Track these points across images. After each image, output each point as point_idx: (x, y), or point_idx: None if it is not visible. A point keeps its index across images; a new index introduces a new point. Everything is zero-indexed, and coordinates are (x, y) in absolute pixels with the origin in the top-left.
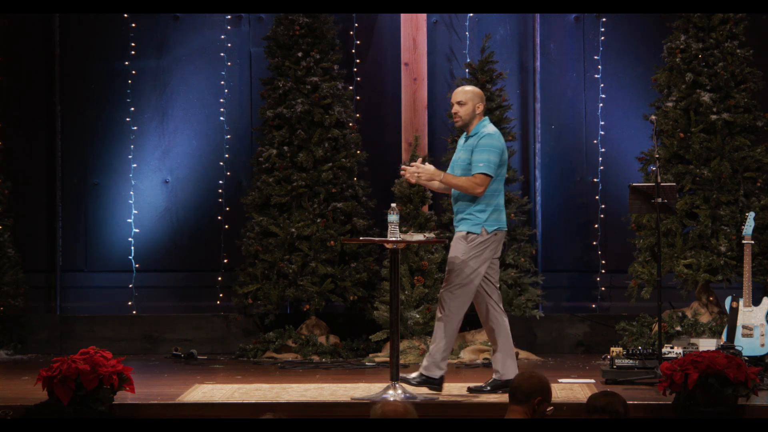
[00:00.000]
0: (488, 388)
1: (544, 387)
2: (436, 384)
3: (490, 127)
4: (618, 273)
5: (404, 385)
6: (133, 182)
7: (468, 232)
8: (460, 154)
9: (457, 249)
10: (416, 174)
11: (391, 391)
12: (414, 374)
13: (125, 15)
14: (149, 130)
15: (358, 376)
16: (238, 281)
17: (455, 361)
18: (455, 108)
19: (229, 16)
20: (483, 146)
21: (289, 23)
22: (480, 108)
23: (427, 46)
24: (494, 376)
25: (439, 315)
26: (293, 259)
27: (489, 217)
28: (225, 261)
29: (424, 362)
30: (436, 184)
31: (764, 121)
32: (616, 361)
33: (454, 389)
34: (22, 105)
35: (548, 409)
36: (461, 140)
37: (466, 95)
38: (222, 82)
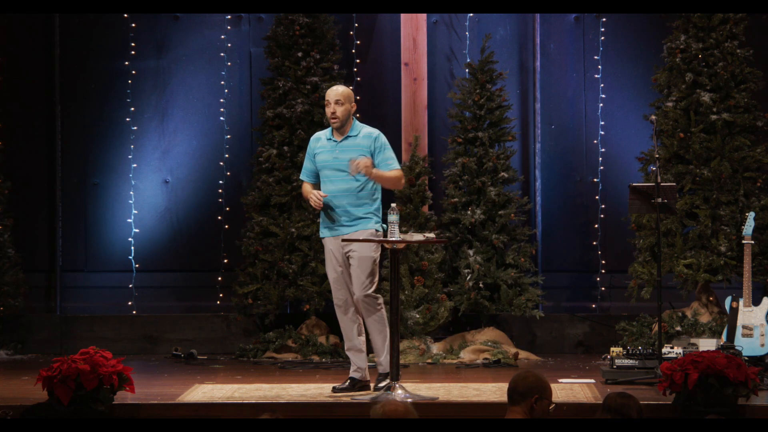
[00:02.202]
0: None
1: (540, 385)
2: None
3: (369, 127)
4: (618, 273)
5: (404, 384)
6: (133, 182)
7: (375, 231)
8: (340, 155)
9: (368, 248)
10: (365, 168)
11: (391, 391)
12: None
13: (125, 15)
14: (149, 130)
15: None
16: (238, 281)
17: (455, 361)
18: (333, 107)
19: (229, 16)
20: (384, 144)
21: (289, 23)
22: (353, 108)
23: (427, 46)
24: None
25: (372, 317)
26: (293, 259)
27: (380, 217)
28: (225, 261)
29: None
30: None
31: (764, 121)
32: (616, 361)
33: (455, 389)
34: (22, 105)
35: (550, 407)
36: (330, 142)
37: (343, 95)
38: (222, 82)
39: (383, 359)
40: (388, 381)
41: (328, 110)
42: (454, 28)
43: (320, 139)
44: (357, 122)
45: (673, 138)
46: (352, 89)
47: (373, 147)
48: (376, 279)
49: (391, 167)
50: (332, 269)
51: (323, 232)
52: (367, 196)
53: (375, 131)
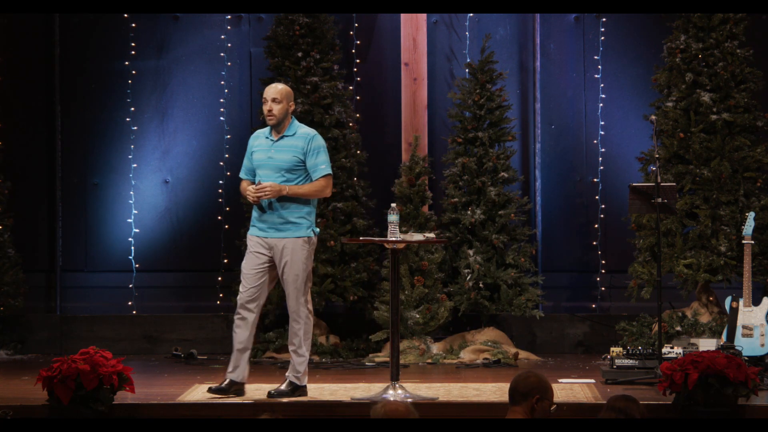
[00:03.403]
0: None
1: (541, 386)
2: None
3: (307, 127)
4: (618, 273)
5: (404, 384)
6: (133, 182)
7: (308, 237)
8: (275, 154)
9: (301, 255)
10: (257, 196)
11: (391, 391)
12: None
13: (125, 15)
14: (149, 130)
15: (358, 376)
16: (238, 281)
17: (455, 361)
18: (270, 105)
19: (229, 16)
20: (318, 147)
21: (289, 23)
22: (292, 107)
23: (427, 46)
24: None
25: (300, 326)
26: None
27: (314, 221)
28: (225, 261)
29: (293, 370)
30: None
31: (764, 121)
32: (616, 361)
33: (455, 389)
34: (22, 105)
35: (551, 408)
36: (267, 141)
37: (281, 93)
38: (222, 82)
39: (291, 366)
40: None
41: (265, 107)
42: (454, 28)
43: (259, 137)
44: (296, 122)
45: (673, 138)
46: (351, 89)
47: (307, 148)
48: (308, 288)
49: (318, 173)
50: (250, 265)
51: (252, 230)
52: (298, 201)
53: (312, 131)
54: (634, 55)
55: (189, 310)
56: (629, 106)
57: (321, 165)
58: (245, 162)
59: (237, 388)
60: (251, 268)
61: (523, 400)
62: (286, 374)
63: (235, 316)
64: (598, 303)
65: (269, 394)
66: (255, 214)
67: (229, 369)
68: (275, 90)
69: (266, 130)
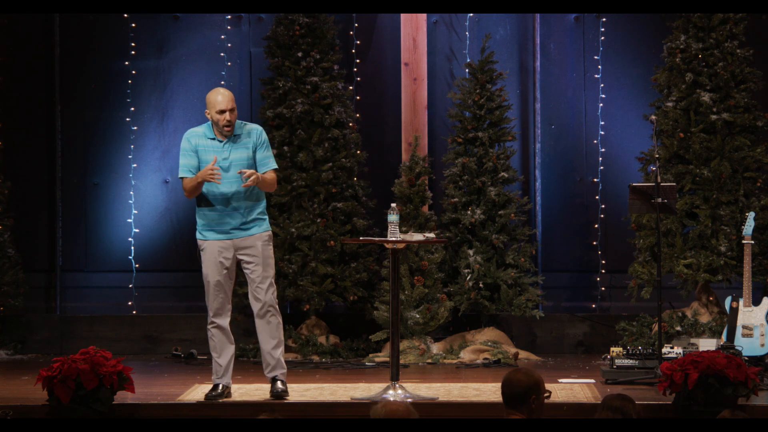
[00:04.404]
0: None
1: (534, 383)
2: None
3: (249, 123)
4: (618, 273)
5: (404, 384)
6: (133, 182)
7: (271, 231)
8: (229, 155)
9: (270, 249)
10: (252, 180)
11: (391, 391)
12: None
13: (125, 15)
14: (149, 130)
15: (358, 376)
16: (237, 281)
17: (455, 361)
18: (229, 116)
19: (229, 16)
20: (267, 141)
21: (289, 23)
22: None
23: (427, 46)
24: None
25: (279, 320)
26: (293, 259)
27: (266, 215)
28: None
29: (281, 366)
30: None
31: (764, 121)
32: (616, 361)
33: (455, 389)
34: (22, 105)
35: (546, 397)
36: (214, 142)
37: (233, 100)
38: (222, 82)
39: (278, 364)
40: (279, 386)
41: (224, 118)
42: (454, 28)
43: (200, 136)
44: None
45: (673, 138)
46: (351, 89)
47: (257, 142)
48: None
49: (269, 166)
50: (216, 273)
51: (208, 235)
52: (256, 197)
53: (258, 126)
54: (634, 55)
55: (189, 310)
56: (629, 106)
57: (270, 158)
58: (188, 161)
59: (228, 390)
60: (218, 275)
61: (520, 404)
62: (276, 375)
63: (210, 326)
64: (598, 303)
65: (278, 396)
66: (207, 219)
67: (218, 375)
68: (230, 98)
69: (205, 129)
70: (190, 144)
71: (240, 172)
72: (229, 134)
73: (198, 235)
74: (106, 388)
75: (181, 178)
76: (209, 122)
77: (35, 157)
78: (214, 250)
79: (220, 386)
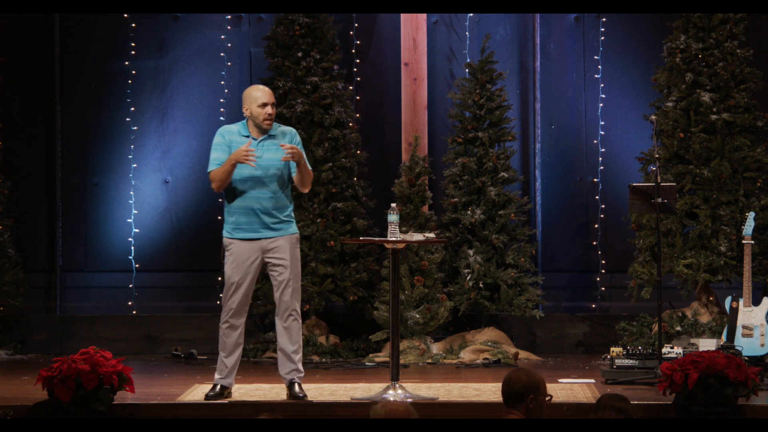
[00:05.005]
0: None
1: (533, 383)
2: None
3: (282, 125)
4: (618, 273)
5: (404, 384)
6: (133, 182)
7: (298, 234)
8: (263, 153)
9: (297, 252)
10: (291, 152)
11: (391, 391)
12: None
13: (125, 15)
14: (149, 130)
15: (358, 376)
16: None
17: (455, 361)
18: (270, 109)
19: (229, 16)
20: (301, 143)
21: (289, 23)
22: None
23: (427, 46)
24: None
25: (299, 324)
26: None
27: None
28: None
29: (299, 370)
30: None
31: (764, 121)
32: (616, 361)
33: (455, 389)
34: (22, 105)
35: (547, 399)
36: (248, 140)
37: (273, 96)
38: (222, 82)
39: (296, 368)
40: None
41: (266, 111)
42: (454, 28)
43: (234, 132)
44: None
45: (673, 138)
46: (351, 89)
47: (291, 142)
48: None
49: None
50: (241, 274)
51: (236, 234)
52: (287, 198)
53: (292, 128)
54: (634, 55)
55: (189, 310)
56: (629, 106)
57: (305, 159)
58: (219, 155)
59: (229, 391)
60: (242, 277)
61: (518, 403)
62: (293, 378)
63: (224, 325)
64: (598, 303)
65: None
66: (236, 218)
67: (222, 374)
68: (270, 93)
69: (240, 127)
70: (224, 139)
71: (282, 146)
72: (268, 128)
73: (225, 234)
74: (106, 388)
75: (209, 172)
76: (243, 121)
77: (35, 157)
78: (241, 252)
79: (219, 386)
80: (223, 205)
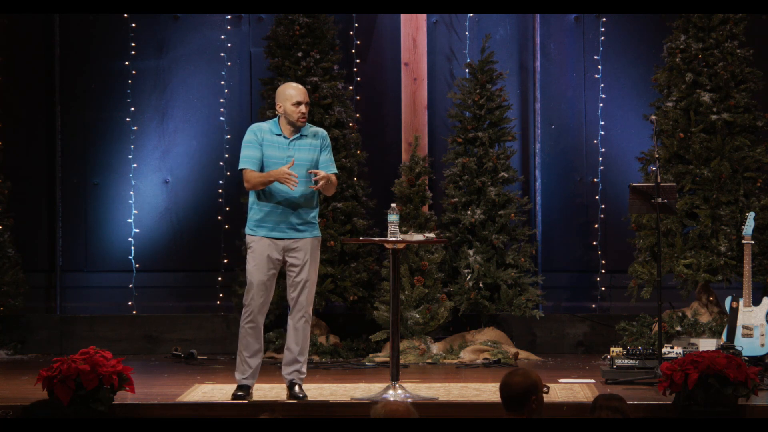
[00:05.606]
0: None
1: (532, 383)
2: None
3: (313, 125)
4: (618, 273)
5: (404, 384)
6: (133, 182)
7: (321, 238)
8: (296, 153)
9: (318, 255)
10: (321, 182)
11: (391, 391)
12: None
13: (125, 15)
14: (149, 130)
15: (358, 376)
16: (238, 281)
17: (455, 361)
18: (304, 108)
19: (229, 16)
20: (330, 144)
21: (289, 23)
22: None
23: (427, 46)
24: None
25: (309, 327)
26: None
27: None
28: (225, 261)
29: (301, 372)
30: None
31: (764, 121)
32: (616, 361)
33: (455, 389)
34: (22, 105)
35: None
36: (281, 138)
37: (308, 95)
38: (222, 82)
39: (299, 369)
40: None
41: (300, 110)
42: (454, 28)
43: (265, 131)
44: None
45: (673, 138)
46: (351, 89)
47: (322, 144)
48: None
49: (331, 170)
50: (262, 272)
51: (260, 232)
52: (315, 200)
53: (323, 130)
54: (634, 55)
55: (189, 310)
56: (629, 106)
57: (332, 162)
58: (251, 153)
59: (251, 391)
60: (264, 273)
61: (521, 407)
62: (293, 379)
63: (247, 324)
64: (598, 303)
65: (296, 398)
66: (263, 214)
67: (245, 375)
68: (304, 91)
69: (271, 125)
70: (255, 136)
71: (310, 172)
72: (302, 125)
73: (248, 231)
74: (106, 388)
75: (241, 169)
76: (275, 119)
77: (35, 157)
78: (263, 249)
79: (244, 386)
80: (248, 202)
